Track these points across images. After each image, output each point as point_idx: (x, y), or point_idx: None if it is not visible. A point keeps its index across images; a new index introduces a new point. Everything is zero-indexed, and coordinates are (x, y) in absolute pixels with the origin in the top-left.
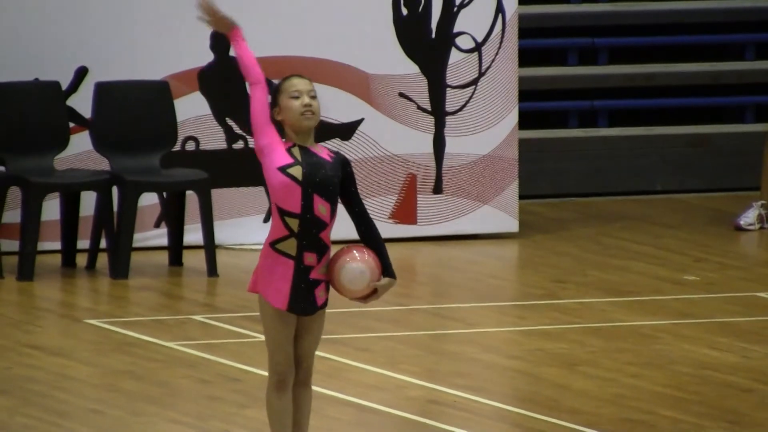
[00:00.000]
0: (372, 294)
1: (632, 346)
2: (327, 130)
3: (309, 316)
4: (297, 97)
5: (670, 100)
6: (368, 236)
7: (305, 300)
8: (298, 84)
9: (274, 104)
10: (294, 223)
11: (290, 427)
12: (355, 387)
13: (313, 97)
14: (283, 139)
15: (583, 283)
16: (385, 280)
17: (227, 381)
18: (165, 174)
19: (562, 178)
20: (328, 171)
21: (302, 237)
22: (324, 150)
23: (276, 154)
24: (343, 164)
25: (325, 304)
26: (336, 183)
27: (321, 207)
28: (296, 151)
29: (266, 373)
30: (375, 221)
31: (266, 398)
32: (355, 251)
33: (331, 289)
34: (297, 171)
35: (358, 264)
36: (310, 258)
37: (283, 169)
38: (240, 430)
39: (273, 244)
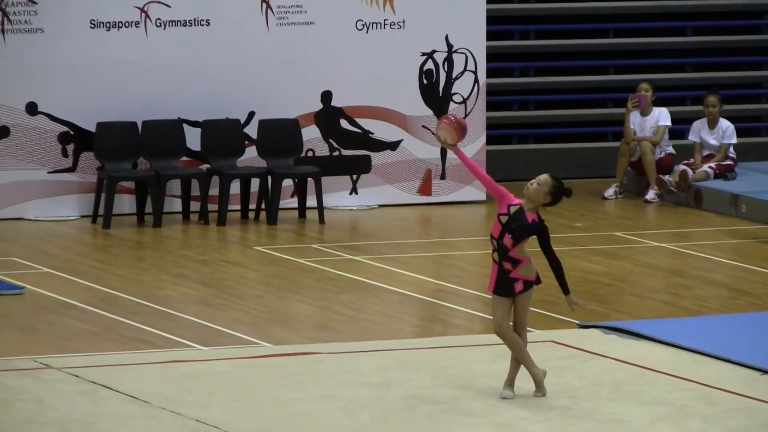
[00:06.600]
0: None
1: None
2: (382, 145)
3: (510, 297)
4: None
5: (570, 129)
6: (551, 265)
7: (504, 288)
8: (539, 176)
9: None
10: (494, 244)
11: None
12: (397, 282)
13: (532, 184)
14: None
15: None
16: (571, 298)
17: (330, 280)
18: (296, 168)
19: (509, 171)
20: (521, 225)
21: (499, 252)
22: (534, 214)
23: (501, 206)
24: (536, 228)
25: (521, 292)
26: (523, 232)
27: (507, 240)
28: (514, 208)
29: (354, 277)
30: (406, 195)
31: (502, 334)
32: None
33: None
34: (504, 218)
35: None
36: (507, 265)
37: (498, 216)
38: (337, 307)
39: (492, 253)
